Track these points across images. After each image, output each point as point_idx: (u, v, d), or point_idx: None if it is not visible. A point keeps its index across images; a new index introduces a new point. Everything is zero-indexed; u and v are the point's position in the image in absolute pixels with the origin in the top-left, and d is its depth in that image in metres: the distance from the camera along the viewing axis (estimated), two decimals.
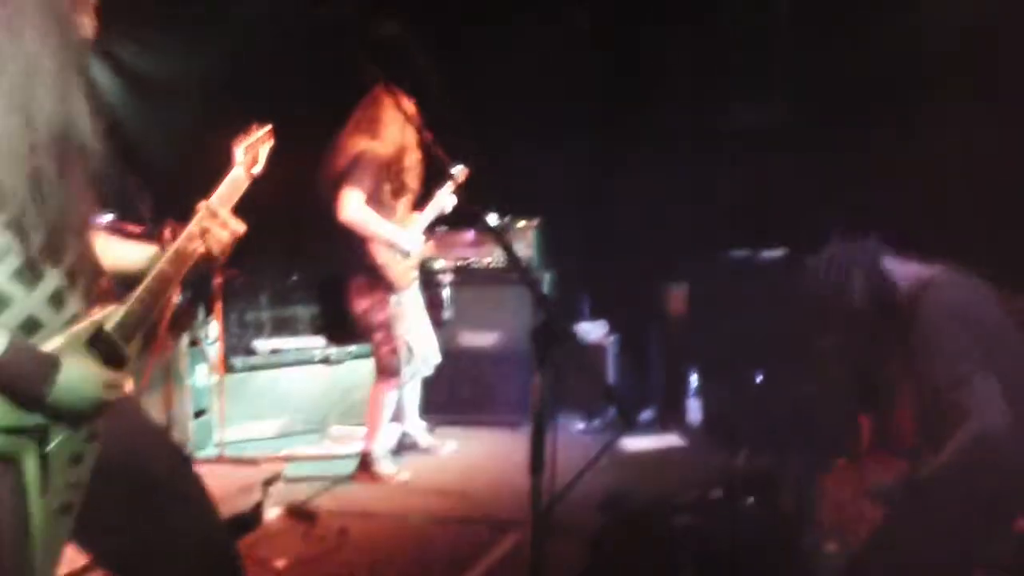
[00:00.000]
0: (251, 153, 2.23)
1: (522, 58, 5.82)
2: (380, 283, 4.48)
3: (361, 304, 4.54)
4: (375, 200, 4.44)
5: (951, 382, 2.62)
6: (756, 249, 5.28)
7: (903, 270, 2.80)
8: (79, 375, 1.60)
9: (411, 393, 4.93)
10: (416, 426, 5.07)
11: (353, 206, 4.37)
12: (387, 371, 4.58)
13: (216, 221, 2.00)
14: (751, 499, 3.21)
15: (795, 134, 5.30)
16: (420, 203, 4.77)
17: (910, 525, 2.67)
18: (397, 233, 4.50)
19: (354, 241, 4.43)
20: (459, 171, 4.72)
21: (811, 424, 3.89)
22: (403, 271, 4.53)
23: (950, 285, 2.75)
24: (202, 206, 2.01)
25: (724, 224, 5.55)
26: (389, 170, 4.46)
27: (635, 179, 5.93)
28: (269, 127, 2.31)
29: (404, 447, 5.04)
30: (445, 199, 4.80)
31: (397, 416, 4.94)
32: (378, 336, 4.55)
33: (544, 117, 5.98)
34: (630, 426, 5.28)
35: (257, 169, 2.25)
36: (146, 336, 1.81)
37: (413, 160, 4.58)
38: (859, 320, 2.84)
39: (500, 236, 1.78)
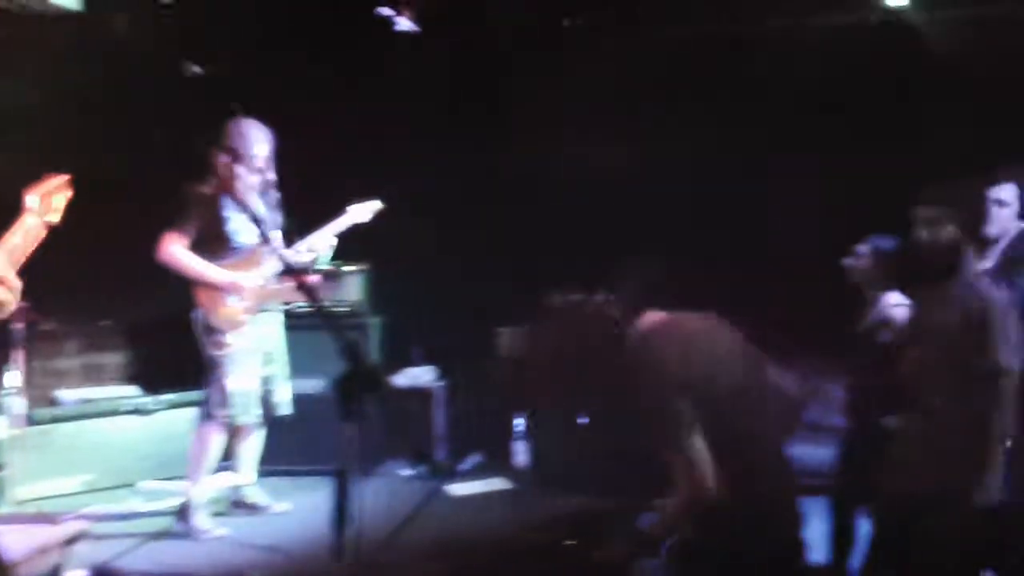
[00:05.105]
0: (46, 202, 2.16)
1: (360, 98, 5.78)
2: (206, 323, 4.39)
3: (200, 341, 4.45)
4: (214, 240, 4.37)
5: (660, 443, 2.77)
6: (589, 292, 5.36)
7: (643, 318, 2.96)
8: None
9: (246, 446, 4.68)
10: (247, 481, 4.81)
11: (166, 247, 4.32)
12: (208, 411, 4.44)
13: None
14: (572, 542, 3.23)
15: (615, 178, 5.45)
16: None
17: None
18: (217, 274, 4.38)
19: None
20: (360, 209, 4.70)
21: (632, 466, 3.95)
22: (227, 312, 4.41)
23: (663, 333, 2.95)
24: None
25: (557, 267, 5.63)
26: (219, 210, 4.36)
27: (470, 222, 5.98)
28: (67, 176, 2.25)
29: (236, 504, 4.78)
30: (320, 241, 4.66)
31: (233, 467, 4.73)
32: (207, 376, 4.44)
33: (377, 161, 5.94)
34: (451, 474, 5.25)
35: (54, 218, 2.18)
36: None
37: (257, 199, 4.43)
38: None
39: (299, 278, 1.73)
